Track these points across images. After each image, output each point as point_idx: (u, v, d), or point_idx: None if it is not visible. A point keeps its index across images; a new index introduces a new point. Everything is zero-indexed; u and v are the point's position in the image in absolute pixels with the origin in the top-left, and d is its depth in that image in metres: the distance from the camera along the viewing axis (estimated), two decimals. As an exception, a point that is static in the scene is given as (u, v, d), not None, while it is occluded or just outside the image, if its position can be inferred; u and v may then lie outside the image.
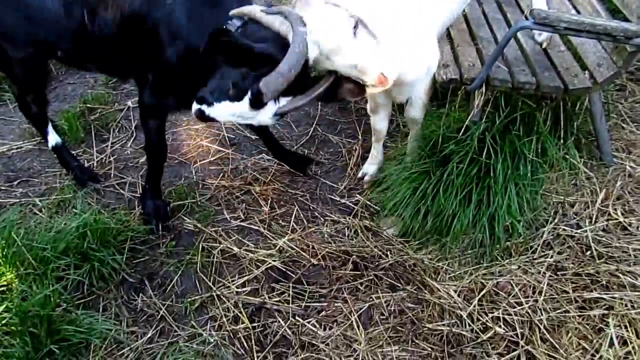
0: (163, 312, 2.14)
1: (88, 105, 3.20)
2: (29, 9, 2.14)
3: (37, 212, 2.52)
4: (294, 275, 2.28)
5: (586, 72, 2.33)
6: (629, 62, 2.17)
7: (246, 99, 1.77)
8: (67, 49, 2.26)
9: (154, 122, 2.32)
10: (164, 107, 2.32)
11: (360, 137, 3.02)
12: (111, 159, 2.87)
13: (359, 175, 2.74)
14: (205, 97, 1.83)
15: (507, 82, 2.24)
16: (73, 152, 2.86)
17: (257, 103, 1.77)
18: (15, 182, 2.74)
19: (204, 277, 2.27)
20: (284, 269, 2.31)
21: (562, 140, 2.52)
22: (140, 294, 2.22)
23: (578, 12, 2.54)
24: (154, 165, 2.44)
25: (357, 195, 2.64)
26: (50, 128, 2.68)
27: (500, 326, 2.03)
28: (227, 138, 3.03)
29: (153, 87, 2.21)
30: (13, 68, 2.39)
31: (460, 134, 2.34)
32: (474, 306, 2.10)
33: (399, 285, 2.23)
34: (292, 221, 2.54)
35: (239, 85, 1.78)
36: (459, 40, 2.50)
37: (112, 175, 2.76)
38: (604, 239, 2.29)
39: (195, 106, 1.86)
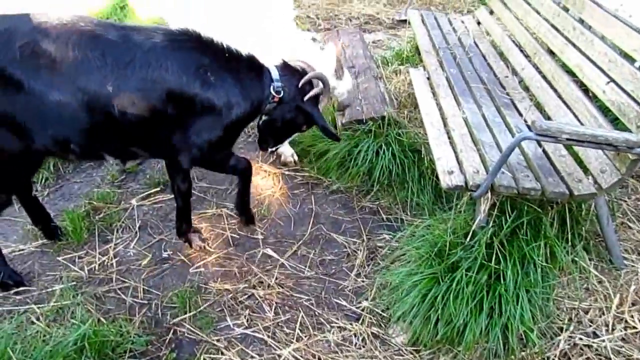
0: None
1: (93, 204, 3.20)
2: (42, 107, 2.11)
3: (35, 320, 2.43)
4: (299, 391, 2.17)
5: (589, 176, 2.34)
6: (632, 169, 2.18)
7: None
8: (82, 143, 2.28)
9: (188, 181, 2.74)
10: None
11: (364, 236, 2.99)
12: (113, 261, 2.82)
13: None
14: None
15: (512, 188, 2.24)
16: (75, 254, 2.83)
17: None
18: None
19: (205, 393, 2.16)
20: (289, 384, 2.20)
21: (570, 244, 2.49)
22: (137, 413, 2.10)
23: (577, 117, 2.60)
24: (183, 202, 2.81)
25: (364, 302, 2.57)
26: None
27: None
28: (230, 238, 3.01)
29: (201, 153, 2.48)
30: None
31: (468, 239, 2.32)
32: None
33: (411, 402, 2.12)
34: (297, 328, 2.45)
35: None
36: (462, 146, 2.53)
37: (113, 279, 2.70)
38: (623, 349, 2.21)
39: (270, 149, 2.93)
